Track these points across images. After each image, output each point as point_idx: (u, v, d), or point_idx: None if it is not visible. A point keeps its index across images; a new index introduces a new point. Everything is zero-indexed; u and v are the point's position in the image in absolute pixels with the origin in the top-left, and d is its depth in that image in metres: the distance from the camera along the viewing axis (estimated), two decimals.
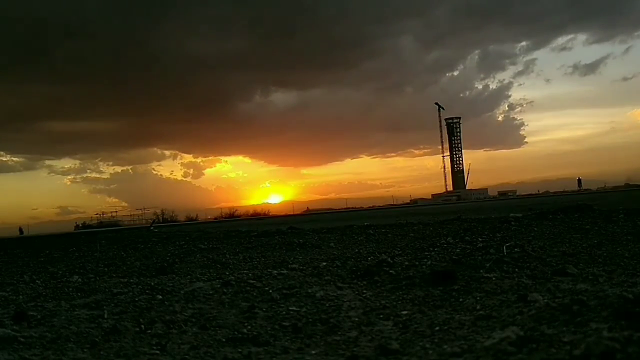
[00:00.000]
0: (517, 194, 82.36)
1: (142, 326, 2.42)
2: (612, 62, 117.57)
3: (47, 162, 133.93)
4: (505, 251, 3.87)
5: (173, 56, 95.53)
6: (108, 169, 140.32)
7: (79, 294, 3.47)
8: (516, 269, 3.23)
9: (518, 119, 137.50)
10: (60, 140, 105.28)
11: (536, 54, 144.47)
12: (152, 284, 3.56)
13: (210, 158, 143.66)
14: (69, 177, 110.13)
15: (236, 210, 65.42)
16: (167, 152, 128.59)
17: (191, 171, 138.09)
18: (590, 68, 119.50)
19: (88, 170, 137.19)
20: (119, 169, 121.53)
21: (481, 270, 3.17)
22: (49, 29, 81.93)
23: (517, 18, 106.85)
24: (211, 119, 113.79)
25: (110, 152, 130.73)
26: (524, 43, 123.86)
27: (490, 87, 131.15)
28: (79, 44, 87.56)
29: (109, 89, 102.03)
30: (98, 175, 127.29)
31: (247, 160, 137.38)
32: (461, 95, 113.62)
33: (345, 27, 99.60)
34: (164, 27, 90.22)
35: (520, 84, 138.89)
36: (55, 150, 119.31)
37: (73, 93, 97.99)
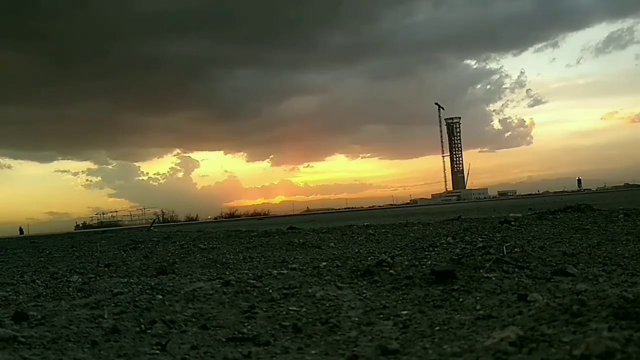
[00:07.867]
0: (517, 193, 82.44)
1: (142, 326, 2.43)
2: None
3: (23, 159, 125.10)
4: (505, 251, 3.87)
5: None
6: (89, 166, 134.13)
7: (79, 294, 3.47)
8: (516, 269, 3.23)
9: (518, 114, 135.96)
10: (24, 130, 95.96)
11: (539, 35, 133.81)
12: (152, 284, 3.56)
13: (198, 154, 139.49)
14: (52, 174, 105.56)
15: (236, 210, 65.58)
16: (154, 149, 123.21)
17: (180, 168, 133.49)
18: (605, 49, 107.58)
19: (70, 167, 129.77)
20: (102, 165, 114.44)
21: (481, 270, 3.17)
22: None
23: None
24: (190, 110, 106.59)
25: (91, 148, 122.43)
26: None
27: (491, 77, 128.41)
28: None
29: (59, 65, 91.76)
30: (83, 175, 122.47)
31: (238, 157, 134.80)
32: (459, 89, 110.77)
33: None
34: None
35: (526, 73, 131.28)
36: (29, 143, 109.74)
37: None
